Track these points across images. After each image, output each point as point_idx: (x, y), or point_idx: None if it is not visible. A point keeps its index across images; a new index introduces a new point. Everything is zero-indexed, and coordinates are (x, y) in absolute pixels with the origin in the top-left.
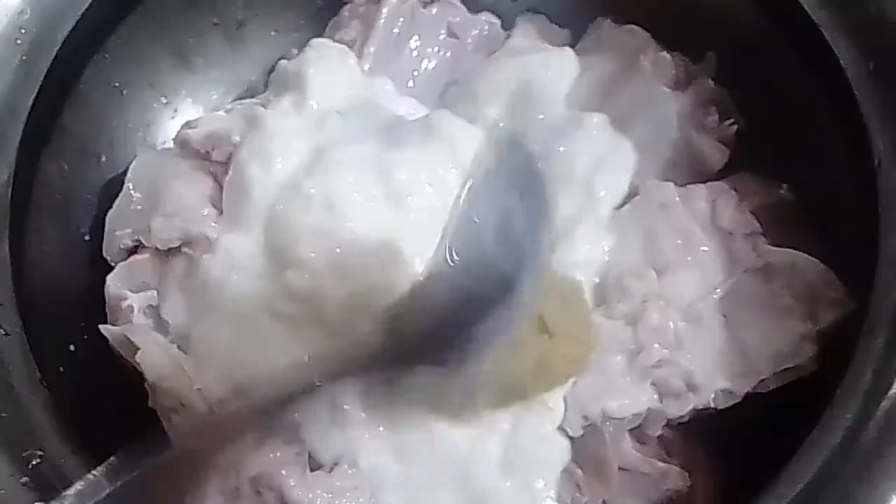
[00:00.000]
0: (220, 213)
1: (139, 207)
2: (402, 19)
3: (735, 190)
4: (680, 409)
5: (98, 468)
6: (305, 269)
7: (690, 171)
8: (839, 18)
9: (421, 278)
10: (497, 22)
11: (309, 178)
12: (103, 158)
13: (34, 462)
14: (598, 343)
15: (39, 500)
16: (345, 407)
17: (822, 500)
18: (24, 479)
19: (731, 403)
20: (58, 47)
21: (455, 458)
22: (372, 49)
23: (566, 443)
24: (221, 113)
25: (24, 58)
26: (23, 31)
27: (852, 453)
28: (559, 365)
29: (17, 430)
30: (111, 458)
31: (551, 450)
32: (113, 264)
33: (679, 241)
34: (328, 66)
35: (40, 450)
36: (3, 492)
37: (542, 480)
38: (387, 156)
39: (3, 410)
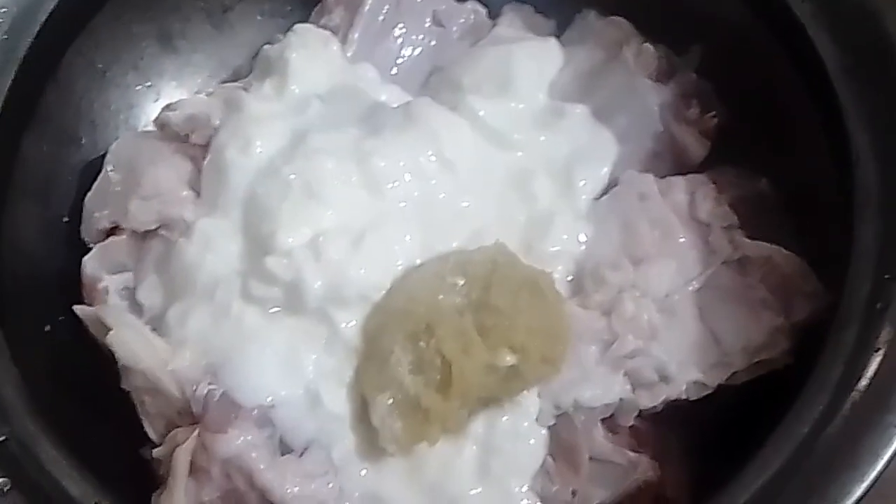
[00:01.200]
0: (199, 196)
1: (118, 189)
2: (387, 6)
3: (714, 182)
4: (652, 399)
5: None
6: (285, 255)
7: (671, 162)
8: (821, 13)
9: (400, 269)
10: (483, 11)
11: (288, 163)
12: (84, 141)
13: (0, 439)
14: (571, 338)
15: (3, 477)
16: (324, 399)
17: (786, 492)
18: None
19: (703, 395)
20: (38, 28)
21: (430, 463)
22: (356, 35)
23: (543, 437)
24: (202, 96)
25: (5, 38)
26: (3, 10)
27: (818, 446)
28: (535, 369)
29: None
30: None
31: (528, 447)
32: (91, 246)
33: (657, 233)
34: (311, 52)
35: (7, 427)
36: None
37: (519, 480)
38: (367, 143)
39: None
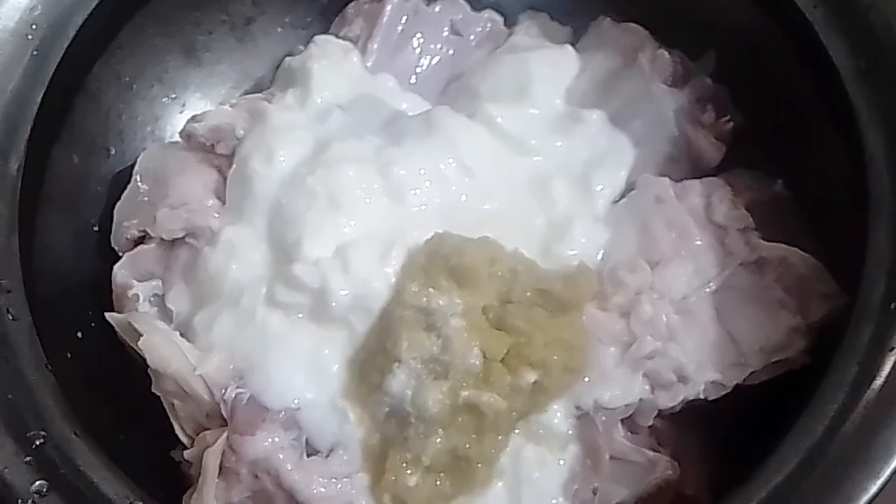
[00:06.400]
0: (224, 204)
1: (146, 199)
2: (405, 17)
3: (730, 185)
4: (671, 399)
5: None
6: (311, 262)
7: (687, 166)
8: (833, 18)
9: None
10: (500, 19)
11: (312, 172)
12: (112, 151)
13: (38, 442)
14: (590, 343)
15: (41, 479)
16: (349, 416)
17: (802, 489)
18: (28, 458)
19: (721, 395)
20: (68, 43)
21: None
22: (375, 46)
23: (570, 458)
24: (227, 107)
25: (35, 53)
26: (34, 26)
27: (834, 444)
28: (559, 381)
29: (23, 412)
30: None
31: (553, 474)
32: (120, 254)
33: (673, 235)
34: (332, 62)
35: (44, 431)
36: (6, 469)
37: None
38: (388, 151)
39: (9, 393)
